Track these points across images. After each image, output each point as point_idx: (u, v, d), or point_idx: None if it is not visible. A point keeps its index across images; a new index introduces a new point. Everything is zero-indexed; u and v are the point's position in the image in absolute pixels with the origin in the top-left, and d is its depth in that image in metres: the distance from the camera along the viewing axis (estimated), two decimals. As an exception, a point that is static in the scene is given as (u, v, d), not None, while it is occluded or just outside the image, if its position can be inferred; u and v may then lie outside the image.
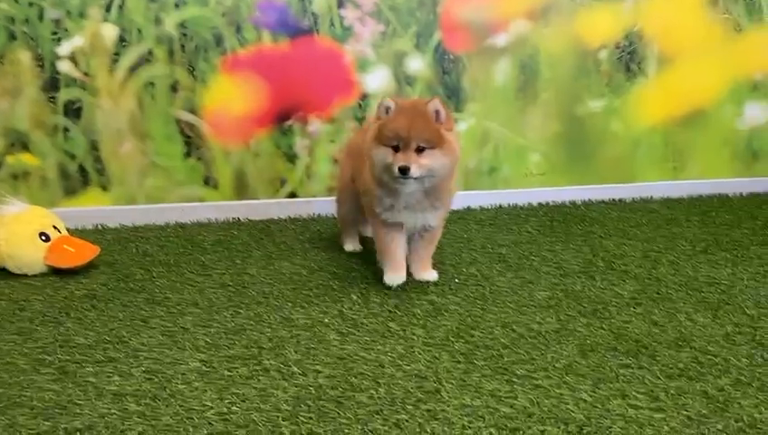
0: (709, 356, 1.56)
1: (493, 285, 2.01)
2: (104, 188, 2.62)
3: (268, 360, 1.52)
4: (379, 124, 1.81)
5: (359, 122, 2.73)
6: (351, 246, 2.32)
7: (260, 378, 1.44)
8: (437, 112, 1.79)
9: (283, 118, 2.67)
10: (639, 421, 1.29)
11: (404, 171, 1.74)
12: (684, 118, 3.15)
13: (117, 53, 2.52)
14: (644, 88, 3.05)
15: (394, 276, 1.95)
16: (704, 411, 1.33)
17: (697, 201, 3.14)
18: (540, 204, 3.04)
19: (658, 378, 1.46)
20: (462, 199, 2.93)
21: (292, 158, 2.72)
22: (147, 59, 2.54)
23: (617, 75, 3.01)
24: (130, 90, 2.56)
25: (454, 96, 2.83)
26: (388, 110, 1.81)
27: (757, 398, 1.37)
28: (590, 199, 3.11)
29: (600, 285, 2.03)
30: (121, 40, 2.51)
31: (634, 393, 1.39)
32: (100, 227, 2.63)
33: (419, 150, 1.76)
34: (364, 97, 2.73)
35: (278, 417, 1.29)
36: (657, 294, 1.96)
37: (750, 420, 1.29)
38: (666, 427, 1.27)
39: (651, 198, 3.18)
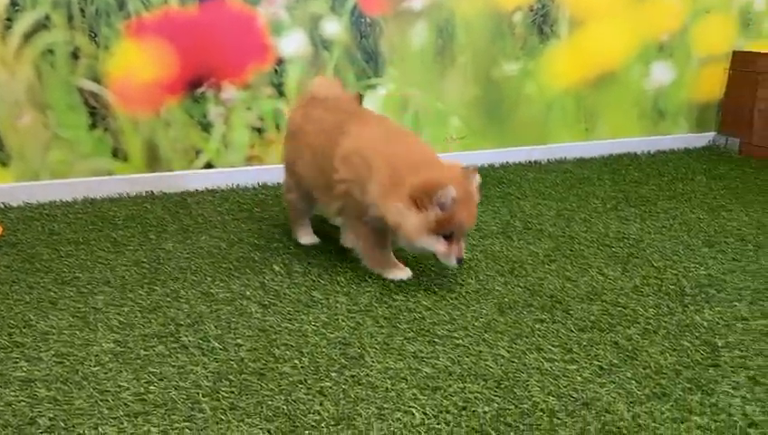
0: (619, 308, 1.63)
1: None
2: (3, 164, 2.45)
3: (186, 336, 1.48)
4: (439, 218, 1.60)
5: (275, 88, 2.66)
6: (308, 238, 2.07)
7: (178, 356, 1.40)
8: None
9: (194, 85, 2.56)
10: (554, 373, 1.34)
11: (461, 262, 1.67)
12: (595, 80, 3.25)
13: (9, 19, 2.33)
14: (557, 50, 3.12)
15: (401, 273, 1.82)
16: (614, 361, 1.40)
17: (608, 160, 3.27)
18: (460, 167, 3.08)
19: (572, 331, 1.52)
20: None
21: (206, 127, 2.62)
22: (43, 24, 2.37)
23: (531, 38, 3.06)
24: (27, 58, 2.38)
25: (372, 61, 2.80)
26: (446, 200, 1.59)
27: (663, 345, 1.46)
28: (507, 162, 3.18)
29: (517, 245, 2.08)
30: (13, 4, 2.32)
31: (549, 347, 1.45)
32: (1, 205, 2.46)
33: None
34: (280, 62, 2.65)
35: (198, 394, 1.26)
36: (571, 250, 2.03)
37: (656, 367, 1.37)
38: (579, 377, 1.33)
39: (565, 158, 3.28)
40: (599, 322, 1.57)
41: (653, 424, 1.18)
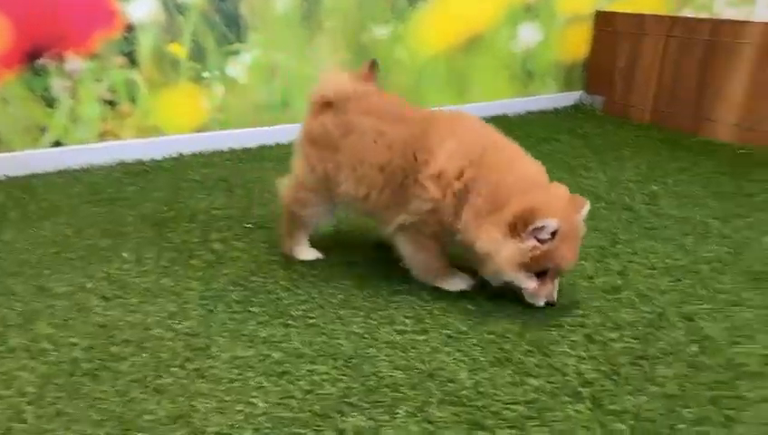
0: (473, 273, 1.66)
1: (279, 225, 1.97)
2: None
3: (15, 338, 1.36)
4: (535, 253, 1.41)
5: (126, 57, 2.47)
6: (313, 253, 1.79)
7: (3, 361, 1.28)
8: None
9: (33, 56, 2.33)
10: (404, 345, 1.35)
11: (551, 305, 1.50)
12: (464, 43, 3.27)
13: None
14: (425, 14, 3.10)
15: (463, 282, 1.62)
16: (462, 328, 1.42)
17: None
18: (335, 135, 3.02)
19: (426, 301, 1.53)
20: (254, 137, 2.83)
21: (50, 102, 2.41)
22: None
23: (399, 1, 3.02)
24: None
25: (233, 25, 2.66)
26: (545, 231, 1.40)
27: (510, 310, 1.50)
28: (383, 127, 3.15)
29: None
30: None
31: (402, 319, 1.45)
32: None
33: None
34: (130, 29, 2.46)
35: (21, 402, 1.16)
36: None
37: (502, 332, 1.41)
38: (427, 348, 1.35)
39: (440, 122, 3.30)
40: (455, 292, 1.58)
41: (492, 390, 1.21)
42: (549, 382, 1.24)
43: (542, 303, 1.49)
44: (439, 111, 1.65)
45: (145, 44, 2.51)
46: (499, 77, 3.45)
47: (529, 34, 3.46)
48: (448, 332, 1.41)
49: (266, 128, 2.86)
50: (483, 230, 1.44)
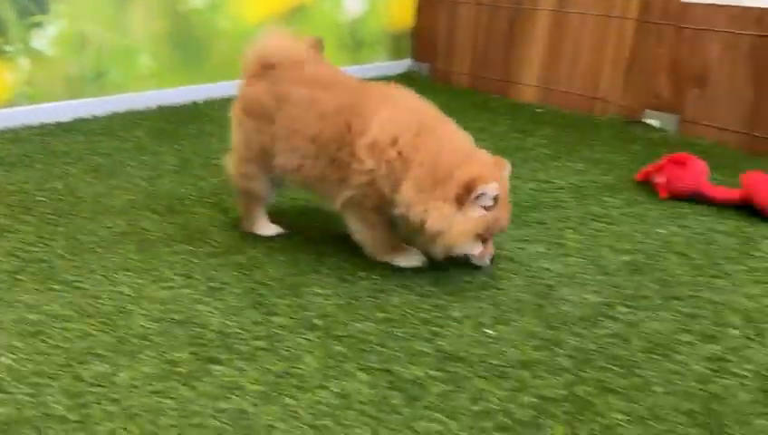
0: (252, 233, 1.78)
1: (75, 197, 1.99)
2: None
3: None
4: (488, 220, 1.46)
5: None
6: (273, 228, 1.76)
7: None
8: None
9: None
10: (165, 299, 1.44)
11: (492, 260, 1.59)
12: (288, 12, 3.34)
13: None
14: (246, -17, 3.15)
15: (414, 258, 1.61)
16: (227, 280, 1.53)
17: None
18: (159, 106, 3.02)
19: (201, 258, 1.63)
20: (68, 110, 2.77)
21: None
22: None
23: (216, -29, 3.04)
24: None
25: (34, -3, 2.58)
26: (487, 197, 1.44)
27: (279, 260, 1.63)
28: (210, 98, 3.18)
29: (187, 182, 2.13)
30: None
31: (172, 276, 1.54)
32: None
33: None
34: None
35: None
36: (236, 182, 2.14)
37: (266, 279, 1.53)
38: (188, 300, 1.45)
39: (270, 91, 3.37)
40: (231, 247, 1.69)
41: (237, 331, 1.34)
42: (291, 318, 1.39)
43: (488, 262, 1.57)
44: (372, 82, 1.65)
45: (-70, 16, 2.39)
46: (327, 46, 3.55)
47: (355, 3, 3.58)
48: (212, 284, 1.52)
49: (80, 100, 2.81)
50: (432, 208, 1.43)
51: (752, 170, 1.99)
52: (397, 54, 3.88)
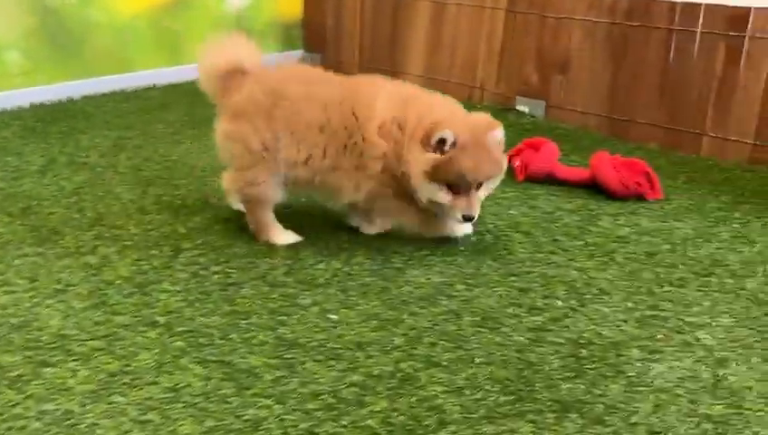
0: (117, 230, 1.75)
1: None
2: None
3: None
4: (437, 161, 1.52)
5: None
6: (291, 236, 1.73)
7: None
8: (501, 141, 1.60)
9: None
10: (5, 304, 1.41)
11: (470, 219, 1.58)
12: (171, 3, 3.27)
13: None
14: (121, -25, 3.06)
15: (461, 228, 1.74)
16: (73, 281, 1.52)
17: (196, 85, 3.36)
18: (32, 104, 2.90)
19: (58, 259, 1.60)
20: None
21: None
22: None
23: (86, -38, 2.95)
24: None
25: None
26: (445, 143, 1.52)
27: (132, 258, 1.62)
28: (88, 94, 3.08)
29: (49, 182, 2.08)
30: None
31: (18, 281, 1.51)
32: None
33: (479, 186, 1.59)
34: None
35: None
36: (102, 181, 2.10)
37: (113, 279, 1.53)
38: (29, 303, 1.42)
39: (154, 85, 3.30)
40: (82, 247, 1.67)
41: (75, 332, 1.33)
42: (134, 317, 1.39)
43: (458, 216, 1.57)
44: (353, 75, 1.78)
45: None
46: (213, 38, 3.51)
47: (239, -5, 3.55)
48: (57, 286, 1.50)
49: (-59, 101, 2.67)
50: (409, 155, 1.56)
51: (599, 151, 2.13)
52: (288, 45, 3.87)
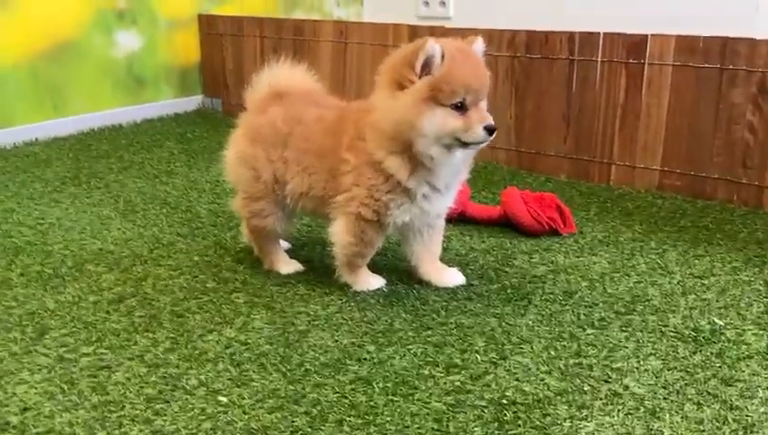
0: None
1: None
2: None
3: None
4: (433, 80, 1.36)
5: None
6: (293, 266, 1.72)
7: None
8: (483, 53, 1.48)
9: None
10: None
11: (492, 131, 1.39)
12: (51, 51, 3.02)
13: None
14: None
15: (375, 281, 1.63)
16: None
17: (84, 136, 3.11)
18: None
19: None
20: None
21: None
22: None
23: (-52, 9, 2.67)
24: None
25: None
26: (434, 58, 1.35)
27: (-16, 344, 1.37)
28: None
29: None
30: None
31: None
32: None
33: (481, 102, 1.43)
34: None
35: None
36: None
37: None
38: None
39: (36, 140, 3.01)
40: None
41: None
42: None
43: (480, 131, 1.37)
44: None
45: None
46: (102, 86, 3.27)
47: (129, 40, 3.33)
48: None
49: None
50: (378, 105, 1.44)
51: (509, 187, 2.05)
52: (186, 91, 3.67)
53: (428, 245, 1.63)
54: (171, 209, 2.17)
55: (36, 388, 1.24)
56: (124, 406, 1.19)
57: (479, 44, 1.45)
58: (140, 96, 3.46)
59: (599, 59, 2.42)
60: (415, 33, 2.80)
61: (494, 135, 1.40)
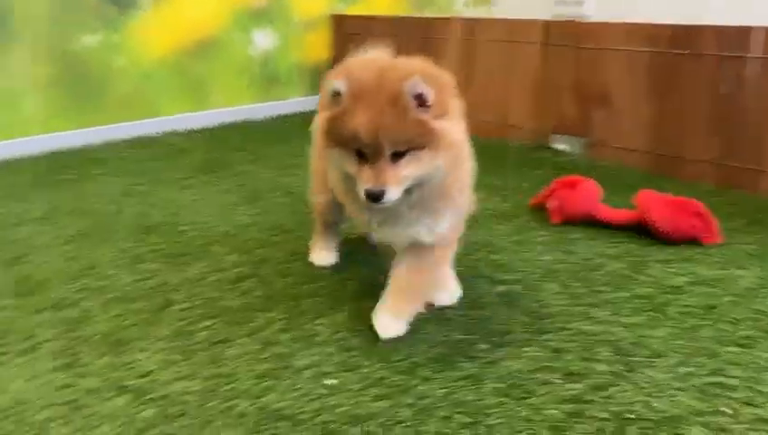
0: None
1: None
2: None
3: None
4: (331, 116, 1.16)
5: None
6: (324, 257, 1.68)
7: None
8: (420, 96, 1.12)
9: None
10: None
11: (375, 198, 1.13)
12: (194, 48, 3.22)
13: None
14: (143, 21, 3.02)
15: (321, 257, 1.68)
16: (47, 336, 1.36)
17: (220, 129, 3.27)
18: (48, 151, 2.83)
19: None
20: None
21: None
22: None
23: (108, 9, 2.91)
24: None
25: None
26: (338, 94, 1.15)
27: (110, 315, 1.46)
28: (108, 140, 3.01)
29: (46, 230, 1.95)
30: None
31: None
32: None
33: (397, 156, 1.13)
34: None
35: None
36: (101, 228, 1.96)
37: (95, 333, 1.36)
38: (-10, 364, 1.27)
39: (176, 130, 3.22)
40: (73, 298, 1.52)
41: (37, 397, 1.16)
42: (103, 380, 1.21)
43: (362, 194, 1.15)
44: None
45: None
46: (238, 82, 3.44)
47: (265, 38, 3.48)
48: (28, 344, 1.33)
49: (-42, 148, 2.63)
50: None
51: (645, 190, 1.89)
52: (315, 89, 3.77)
53: (398, 274, 1.35)
54: (293, 199, 2.21)
55: (155, 356, 1.29)
56: (237, 379, 1.21)
57: (412, 84, 1.11)
58: (272, 93, 3.60)
59: (751, 55, 2.18)
60: (548, 29, 2.69)
61: (381, 202, 1.13)
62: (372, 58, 1.27)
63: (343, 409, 1.12)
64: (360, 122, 1.12)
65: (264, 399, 1.15)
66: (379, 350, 1.30)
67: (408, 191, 1.17)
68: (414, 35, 3.27)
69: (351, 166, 1.17)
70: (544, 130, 2.77)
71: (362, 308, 1.45)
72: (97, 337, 1.35)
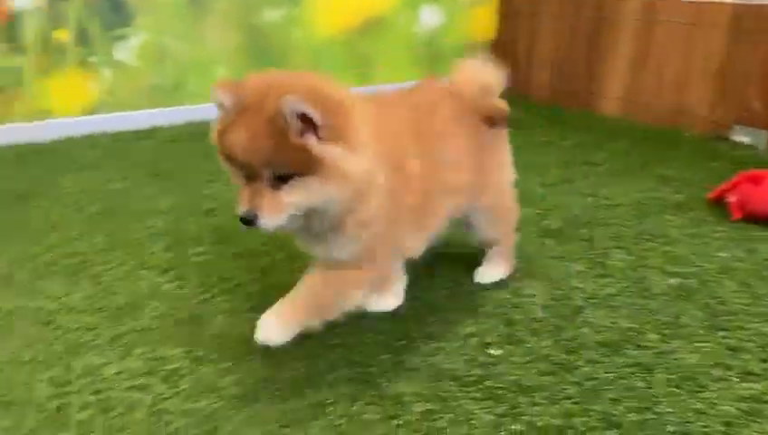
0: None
1: (126, 199, 2.08)
2: None
3: None
4: (217, 130, 1.07)
5: (11, 44, 2.57)
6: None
7: None
8: (302, 116, 0.99)
9: None
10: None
11: (246, 222, 1.03)
12: (363, 26, 3.35)
13: None
14: (321, -3, 3.21)
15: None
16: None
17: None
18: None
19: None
20: (147, 118, 2.93)
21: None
22: None
23: (291, -15, 3.12)
24: None
25: (118, 10, 2.76)
26: (221, 107, 1.06)
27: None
28: (282, 109, 3.23)
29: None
30: None
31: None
32: None
33: (281, 179, 1.02)
34: (14, 17, 2.56)
35: None
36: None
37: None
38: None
39: (343, 103, 3.38)
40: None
41: (237, 331, 1.32)
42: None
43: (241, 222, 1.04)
44: None
45: (30, 31, 2.61)
46: (403, 59, 3.54)
47: (432, 15, 3.54)
48: (228, 285, 1.51)
49: (158, 109, 2.96)
50: None
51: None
52: (476, 68, 3.78)
53: (307, 281, 1.20)
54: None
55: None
56: (403, 338, 1.29)
57: (292, 104, 0.98)
58: (436, 71, 3.66)
59: None
60: (737, 13, 2.49)
61: (255, 227, 1.02)
62: (278, 72, 1.14)
63: (510, 378, 1.17)
64: (234, 140, 1.02)
65: (432, 359, 1.23)
66: (544, 328, 1.32)
67: (306, 219, 1.07)
68: (583, 15, 3.17)
69: (239, 183, 1.06)
70: (724, 121, 2.59)
71: (524, 287, 1.47)
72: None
